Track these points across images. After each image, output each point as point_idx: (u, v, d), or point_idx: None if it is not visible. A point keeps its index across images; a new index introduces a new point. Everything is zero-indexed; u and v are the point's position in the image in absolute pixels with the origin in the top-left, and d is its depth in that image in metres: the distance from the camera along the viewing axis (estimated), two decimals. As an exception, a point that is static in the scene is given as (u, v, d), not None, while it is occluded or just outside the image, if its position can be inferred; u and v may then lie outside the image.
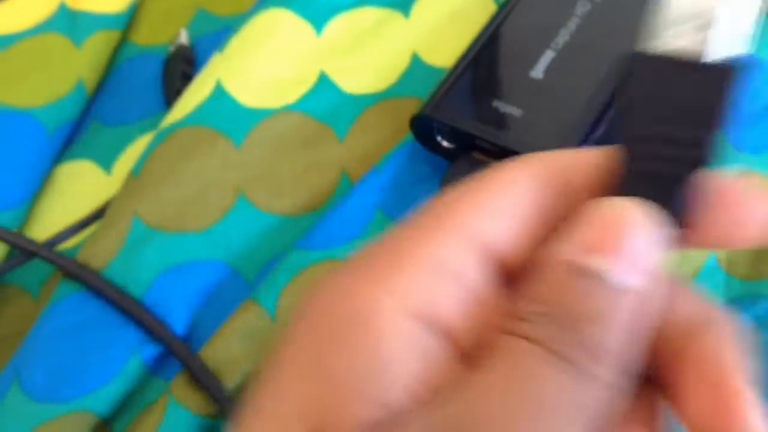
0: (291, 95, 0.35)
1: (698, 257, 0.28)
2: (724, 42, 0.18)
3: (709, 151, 0.17)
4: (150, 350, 0.30)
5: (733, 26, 0.18)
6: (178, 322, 0.31)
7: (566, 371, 0.15)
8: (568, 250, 0.16)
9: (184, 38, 0.40)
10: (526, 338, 0.15)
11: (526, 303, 0.15)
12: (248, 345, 0.30)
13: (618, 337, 0.15)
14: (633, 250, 0.15)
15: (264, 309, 0.30)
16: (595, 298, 0.15)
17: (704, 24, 0.18)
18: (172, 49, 0.40)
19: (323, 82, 0.36)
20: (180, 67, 0.39)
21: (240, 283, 0.32)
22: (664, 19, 0.18)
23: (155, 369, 0.31)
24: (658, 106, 0.18)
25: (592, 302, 0.15)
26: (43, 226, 0.36)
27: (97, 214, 0.35)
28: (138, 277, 0.31)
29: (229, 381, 0.29)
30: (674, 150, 0.17)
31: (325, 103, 0.35)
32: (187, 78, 0.39)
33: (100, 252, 0.32)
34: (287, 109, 0.35)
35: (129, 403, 0.30)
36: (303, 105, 0.35)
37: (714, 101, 0.17)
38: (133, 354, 0.30)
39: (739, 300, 0.28)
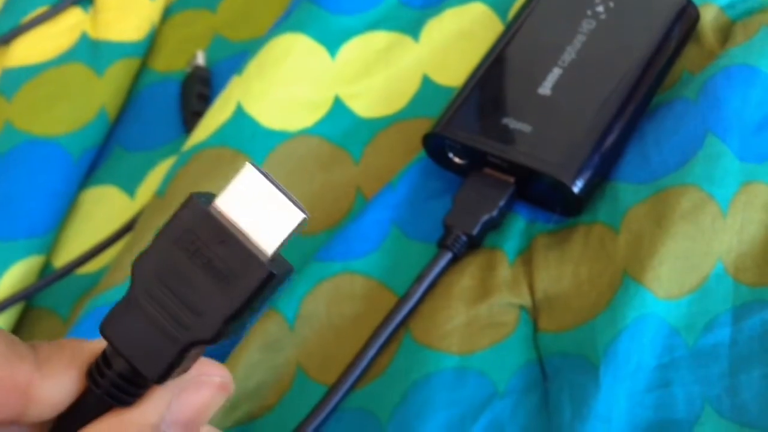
0: (308, 119, 0.36)
1: (704, 265, 0.28)
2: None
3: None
4: None
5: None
6: None
7: None
8: None
9: (200, 59, 0.41)
10: None
11: None
12: (266, 354, 0.30)
13: None
14: None
15: (283, 316, 0.31)
16: None
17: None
18: (188, 70, 0.41)
19: (338, 107, 0.36)
20: (196, 89, 0.40)
21: None
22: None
23: None
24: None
25: None
26: (70, 251, 0.37)
27: (117, 236, 0.36)
28: None
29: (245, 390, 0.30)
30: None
31: (340, 127, 0.36)
32: (203, 99, 0.40)
33: (125, 268, 0.33)
34: (305, 133, 0.36)
35: None
36: (319, 129, 0.36)
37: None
38: None
39: (747, 306, 0.28)
